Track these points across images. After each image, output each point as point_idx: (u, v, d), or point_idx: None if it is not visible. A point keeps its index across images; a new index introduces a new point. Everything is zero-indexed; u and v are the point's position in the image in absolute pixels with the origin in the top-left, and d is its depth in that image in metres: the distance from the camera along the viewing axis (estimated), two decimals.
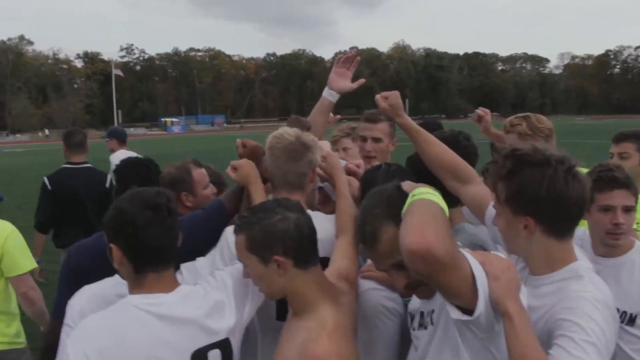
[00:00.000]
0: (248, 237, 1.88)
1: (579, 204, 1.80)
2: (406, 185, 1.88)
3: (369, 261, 2.21)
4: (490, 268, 1.62)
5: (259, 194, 2.48)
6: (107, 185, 5.75)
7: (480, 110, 3.97)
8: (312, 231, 1.95)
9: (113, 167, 7.81)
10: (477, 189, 2.38)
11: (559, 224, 1.83)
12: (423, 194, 1.68)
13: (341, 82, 3.26)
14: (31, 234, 11.82)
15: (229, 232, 2.35)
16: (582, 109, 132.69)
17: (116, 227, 1.88)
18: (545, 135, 3.24)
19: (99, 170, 5.93)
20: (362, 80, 3.36)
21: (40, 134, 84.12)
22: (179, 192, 2.98)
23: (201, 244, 2.50)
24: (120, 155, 7.97)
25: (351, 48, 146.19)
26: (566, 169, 1.77)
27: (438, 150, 2.48)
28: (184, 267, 2.33)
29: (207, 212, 2.65)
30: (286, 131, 2.46)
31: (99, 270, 2.10)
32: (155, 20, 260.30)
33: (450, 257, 1.51)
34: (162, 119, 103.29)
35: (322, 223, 2.35)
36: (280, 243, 1.85)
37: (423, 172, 2.50)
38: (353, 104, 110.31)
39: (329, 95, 3.27)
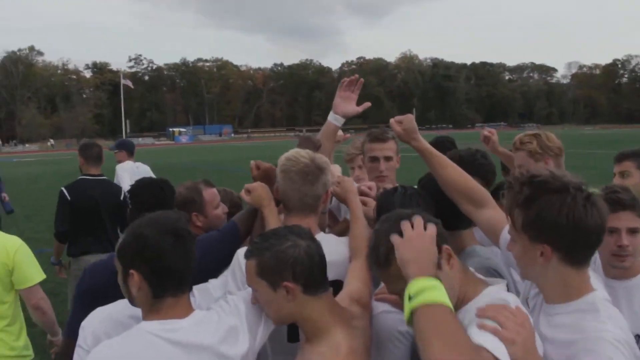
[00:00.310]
0: (258, 262, 1.89)
1: (597, 232, 1.76)
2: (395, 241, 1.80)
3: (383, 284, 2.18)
4: (505, 334, 1.60)
5: (272, 217, 2.49)
6: (122, 198, 5.99)
7: (486, 131, 3.96)
8: (322, 258, 1.96)
9: (120, 177, 7.98)
10: (492, 212, 2.37)
11: (577, 253, 1.79)
12: (425, 293, 1.61)
13: (346, 105, 3.27)
14: (40, 245, 11.84)
15: (241, 254, 2.34)
16: (590, 119, 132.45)
17: (137, 253, 1.86)
18: (555, 154, 3.26)
19: (114, 183, 6.19)
20: (367, 104, 3.32)
21: (48, 143, 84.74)
22: (189, 213, 3.02)
23: (214, 265, 2.52)
24: (126, 166, 8.07)
25: (358, 58, 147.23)
26: (585, 197, 1.74)
27: (453, 173, 2.44)
28: (197, 289, 2.32)
29: (221, 234, 2.67)
30: (300, 154, 2.44)
31: (113, 290, 2.09)
32: (164, 31, 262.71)
33: None
34: (170, 129, 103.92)
35: (336, 246, 2.38)
36: (290, 269, 1.86)
37: (435, 194, 2.49)
38: (359, 115, 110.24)
39: (334, 119, 3.29)
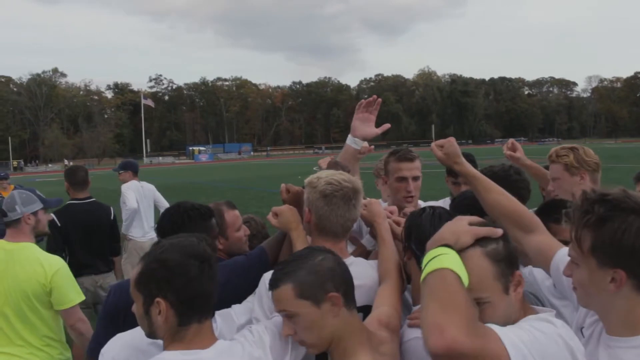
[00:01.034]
0: (296, 283, 1.82)
1: None
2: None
3: (418, 307, 2.04)
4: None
5: (300, 240, 2.43)
6: (112, 217, 6.23)
7: (508, 146, 3.80)
8: (350, 273, 1.93)
9: (125, 196, 8.02)
10: (542, 238, 2.23)
11: None
12: (434, 260, 1.58)
13: (365, 128, 3.21)
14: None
15: (268, 277, 2.19)
16: (612, 133, 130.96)
17: (164, 280, 1.79)
18: (592, 169, 3.17)
19: (103, 204, 6.31)
20: (387, 126, 3.26)
21: (65, 162, 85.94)
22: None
23: (239, 291, 2.47)
24: (131, 185, 8.16)
25: (376, 75, 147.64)
26: None
27: (500, 198, 2.32)
28: (219, 314, 2.24)
29: (248, 259, 2.62)
30: (341, 177, 2.36)
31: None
32: (184, 52, 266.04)
33: (477, 346, 1.43)
34: (190, 148, 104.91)
35: (365, 269, 2.34)
36: (330, 279, 1.83)
37: (468, 213, 2.37)
38: None
39: (352, 143, 3.22)
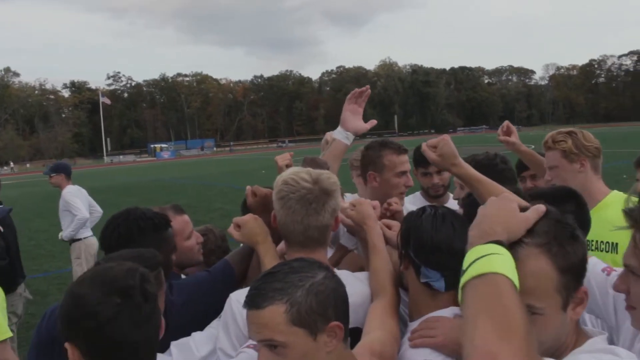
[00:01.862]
0: (290, 305, 1.41)
1: None
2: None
3: (415, 323, 1.82)
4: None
5: (269, 256, 2.08)
6: None
7: (503, 137, 3.42)
8: (347, 297, 1.58)
9: (72, 205, 7.66)
10: None
11: None
12: (482, 260, 1.19)
13: (356, 122, 2.83)
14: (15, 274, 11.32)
15: (235, 299, 1.91)
16: (570, 119, 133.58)
17: (73, 321, 1.42)
18: (593, 155, 2.91)
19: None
20: (374, 122, 2.92)
21: (5, 167, 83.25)
22: None
23: (200, 314, 2.13)
24: (73, 191, 7.79)
25: (338, 67, 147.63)
26: None
27: None
28: (175, 345, 1.93)
29: (211, 275, 2.26)
30: (300, 175, 1.98)
31: None
32: (143, 49, 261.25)
33: None
34: (151, 145, 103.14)
35: (352, 284, 1.87)
36: (333, 305, 1.47)
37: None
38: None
39: (344, 137, 2.81)
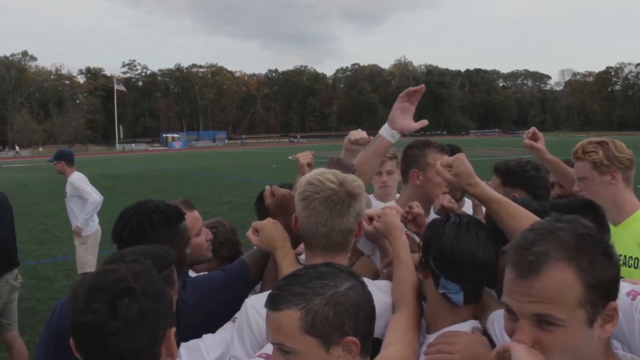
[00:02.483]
0: (307, 312, 1.36)
1: None
2: None
3: (432, 336, 1.78)
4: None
5: (287, 262, 2.02)
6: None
7: (528, 141, 3.24)
8: (375, 311, 1.52)
9: (82, 190, 7.73)
10: None
11: None
12: None
13: (405, 120, 2.63)
14: (23, 256, 11.45)
15: (251, 304, 1.85)
16: (584, 126, 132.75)
17: (70, 330, 1.40)
18: (625, 166, 2.78)
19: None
20: (424, 122, 2.68)
21: (11, 151, 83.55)
22: None
23: (213, 315, 2.07)
24: (81, 177, 7.84)
25: (353, 65, 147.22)
26: None
27: (525, 225, 1.77)
28: (185, 347, 1.88)
29: (226, 275, 2.21)
30: (325, 176, 1.91)
31: None
32: (159, 37, 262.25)
33: None
34: (164, 135, 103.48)
35: (373, 293, 1.75)
36: (353, 319, 1.40)
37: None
38: (355, 120, 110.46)
39: (389, 135, 2.63)
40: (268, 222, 2.12)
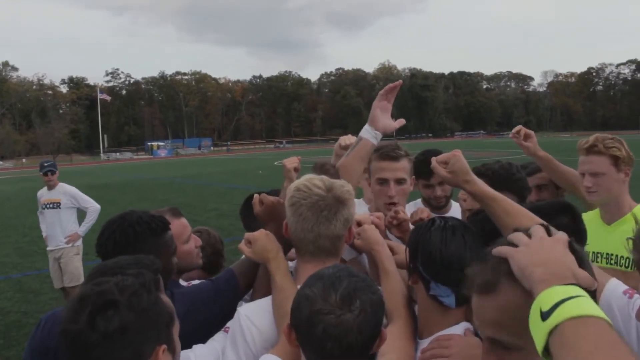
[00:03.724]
0: None
1: None
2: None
3: (426, 341, 1.76)
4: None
5: (280, 273, 1.96)
6: None
7: (520, 141, 3.18)
8: None
9: (82, 199, 7.85)
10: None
11: None
12: (569, 304, 1.02)
13: (386, 120, 2.55)
14: (7, 269, 11.29)
15: (244, 314, 1.86)
16: (567, 126, 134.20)
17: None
18: (632, 166, 2.82)
19: None
20: (402, 121, 2.60)
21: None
22: None
23: (203, 325, 2.06)
24: (68, 188, 7.99)
25: (337, 69, 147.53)
26: None
27: (525, 223, 1.74)
28: None
29: (214, 285, 2.19)
30: (313, 182, 1.91)
31: None
32: (143, 46, 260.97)
33: None
34: (149, 143, 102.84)
35: None
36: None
37: (492, 234, 1.88)
38: (340, 124, 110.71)
39: (372, 137, 2.52)
40: (261, 233, 2.10)
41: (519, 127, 3.23)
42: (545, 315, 1.03)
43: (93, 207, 7.90)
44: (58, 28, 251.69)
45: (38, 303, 8.66)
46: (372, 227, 2.14)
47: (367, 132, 2.52)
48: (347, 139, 2.79)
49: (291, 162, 2.71)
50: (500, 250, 1.21)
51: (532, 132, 3.20)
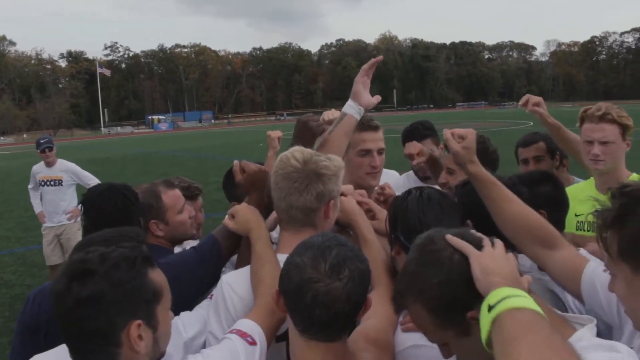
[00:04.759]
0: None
1: None
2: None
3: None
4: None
5: (260, 242, 2.00)
6: None
7: (533, 107, 3.16)
8: None
9: (84, 175, 7.82)
10: (566, 253, 1.89)
11: None
12: (521, 299, 1.23)
13: (367, 95, 2.55)
14: (10, 244, 11.35)
15: (226, 281, 1.92)
16: (569, 96, 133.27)
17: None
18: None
19: None
20: (378, 97, 2.61)
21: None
22: (147, 221, 2.55)
23: (188, 293, 2.11)
24: (69, 165, 7.99)
25: (338, 40, 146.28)
26: None
27: (522, 209, 1.91)
28: None
29: (198, 253, 2.22)
30: (293, 154, 1.96)
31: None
32: (142, 19, 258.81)
33: None
34: (149, 117, 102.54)
35: None
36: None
37: (476, 207, 2.00)
38: (341, 96, 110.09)
39: (356, 112, 2.51)
40: (242, 206, 2.15)
41: (527, 95, 3.22)
42: (490, 308, 1.22)
43: (94, 182, 7.83)
44: (55, 1, 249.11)
45: (42, 277, 8.74)
46: (348, 198, 2.16)
47: (350, 107, 2.51)
48: (331, 114, 2.80)
49: (275, 133, 3.07)
50: (463, 246, 1.35)
51: (540, 99, 3.19)
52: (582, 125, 2.86)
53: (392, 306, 1.51)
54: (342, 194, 2.12)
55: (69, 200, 7.91)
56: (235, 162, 2.27)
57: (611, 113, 2.74)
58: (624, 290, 1.42)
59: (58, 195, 7.84)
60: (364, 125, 2.81)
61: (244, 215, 2.11)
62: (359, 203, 2.26)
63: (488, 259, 1.33)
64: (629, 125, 2.77)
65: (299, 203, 1.91)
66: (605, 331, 1.79)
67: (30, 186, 8.15)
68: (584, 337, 1.37)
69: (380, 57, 2.59)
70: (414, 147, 3.11)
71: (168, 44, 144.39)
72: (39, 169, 7.92)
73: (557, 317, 1.48)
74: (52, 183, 7.85)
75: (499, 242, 1.40)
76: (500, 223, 1.94)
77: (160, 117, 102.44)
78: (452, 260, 1.35)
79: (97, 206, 2.35)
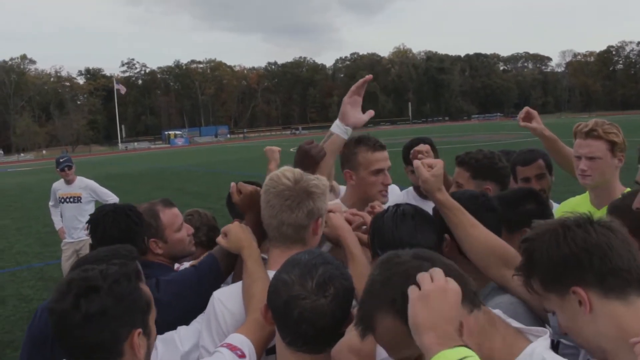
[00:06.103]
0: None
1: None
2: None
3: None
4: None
5: (252, 259, 2.07)
6: None
7: (524, 123, 3.21)
8: None
9: (104, 193, 7.96)
10: None
11: (611, 277, 1.37)
12: None
13: (356, 114, 2.63)
14: (29, 259, 11.46)
15: (217, 297, 2.00)
16: (586, 107, 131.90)
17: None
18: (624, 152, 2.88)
19: None
20: (371, 112, 2.71)
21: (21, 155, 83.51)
22: (148, 239, 2.63)
23: (188, 310, 2.17)
24: (87, 182, 8.15)
25: (352, 54, 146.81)
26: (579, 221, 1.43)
27: (485, 233, 2.00)
28: (161, 340, 1.96)
29: (197, 272, 2.30)
30: (284, 173, 2.04)
31: None
32: (158, 35, 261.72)
33: None
34: (166, 132, 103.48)
35: None
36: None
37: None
38: None
39: (343, 132, 2.63)
40: (235, 225, 2.21)
41: (526, 108, 3.25)
42: None
43: (112, 199, 8.03)
44: (73, 20, 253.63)
45: None
46: (336, 215, 2.23)
47: (337, 127, 2.63)
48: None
49: (274, 148, 3.25)
50: (411, 291, 1.31)
51: (534, 112, 3.22)
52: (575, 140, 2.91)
53: (356, 331, 1.43)
54: (330, 211, 2.20)
55: (84, 218, 8.03)
56: (232, 184, 2.35)
57: (597, 130, 2.77)
58: (564, 320, 1.45)
59: (77, 211, 7.99)
60: (376, 146, 2.91)
61: (235, 234, 2.16)
62: (354, 216, 2.36)
63: (419, 307, 1.27)
64: (617, 142, 2.77)
65: (290, 220, 1.97)
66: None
67: (51, 203, 8.36)
68: (536, 349, 1.39)
69: (370, 76, 2.67)
70: (422, 145, 3.11)
71: (184, 60, 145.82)
72: (59, 186, 8.12)
73: (512, 329, 1.50)
74: (71, 200, 8.01)
75: (437, 273, 1.33)
76: (467, 247, 2.02)
77: (177, 132, 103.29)
78: (421, 269, 1.36)
79: (102, 226, 2.46)
